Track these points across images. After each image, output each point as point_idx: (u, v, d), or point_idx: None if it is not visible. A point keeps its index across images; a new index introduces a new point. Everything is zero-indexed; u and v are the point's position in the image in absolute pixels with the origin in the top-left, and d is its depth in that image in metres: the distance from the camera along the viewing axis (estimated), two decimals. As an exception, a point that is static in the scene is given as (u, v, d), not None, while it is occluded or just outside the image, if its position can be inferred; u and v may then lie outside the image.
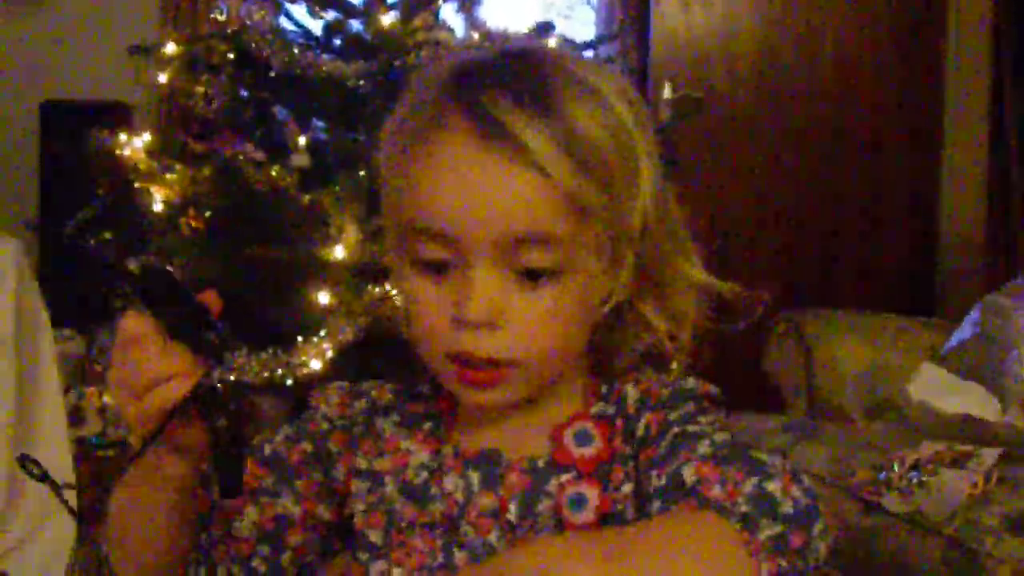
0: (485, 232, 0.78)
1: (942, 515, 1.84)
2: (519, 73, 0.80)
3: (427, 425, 0.90)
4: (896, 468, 1.92)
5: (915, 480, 1.88)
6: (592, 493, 0.83)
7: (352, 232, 2.62)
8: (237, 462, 0.76)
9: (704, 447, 0.76)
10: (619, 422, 0.86)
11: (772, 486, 0.71)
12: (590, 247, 0.79)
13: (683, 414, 0.82)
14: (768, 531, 0.68)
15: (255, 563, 0.87)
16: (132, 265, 2.64)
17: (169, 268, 1.07)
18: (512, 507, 0.84)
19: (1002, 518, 1.83)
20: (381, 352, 2.58)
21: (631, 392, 0.87)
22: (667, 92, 3.59)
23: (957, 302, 3.72)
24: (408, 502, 0.87)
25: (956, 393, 2.23)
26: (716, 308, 0.88)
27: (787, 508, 0.70)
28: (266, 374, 2.62)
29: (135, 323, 0.74)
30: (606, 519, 0.83)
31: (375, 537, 0.88)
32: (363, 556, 0.88)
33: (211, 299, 0.77)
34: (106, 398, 3.12)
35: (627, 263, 0.82)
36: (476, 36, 2.90)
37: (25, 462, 0.80)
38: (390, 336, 2.43)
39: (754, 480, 0.71)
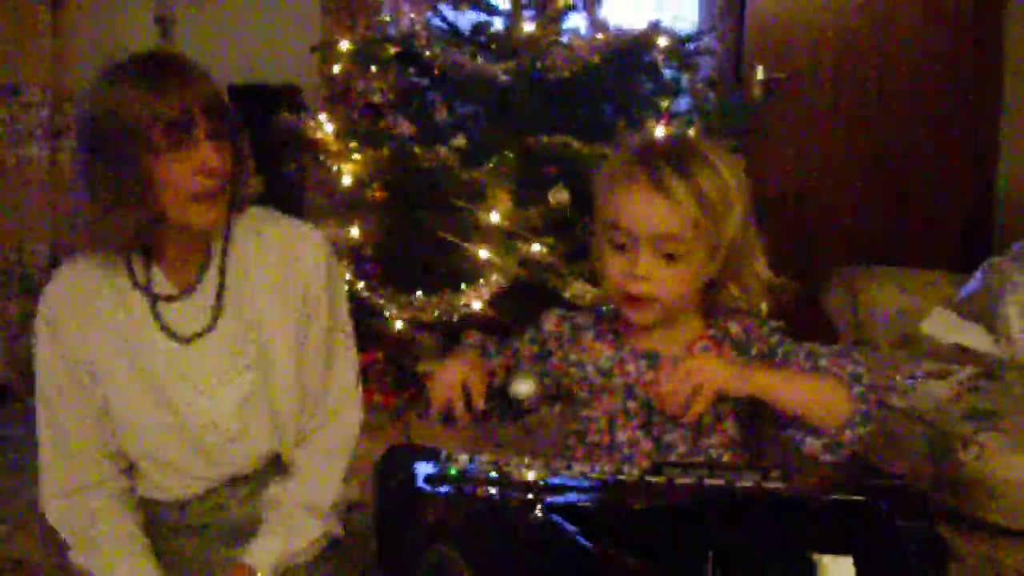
0: (647, 231, 1.38)
1: (927, 409, 2.50)
2: (672, 153, 1.41)
3: (610, 336, 1.55)
4: (898, 377, 2.57)
5: (911, 385, 2.51)
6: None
7: (505, 201, 3.14)
8: None
9: (803, 354, 1.42)
10: (726, 344, 1.49)
11: (860, 370, 1.37)
12: (702, 247, 1.40)
13: (778, 340, 1.46)
14: (858, 389, 1.36)
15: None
16: None
17: None
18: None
19: (963, 411, 2.52)
20: (526, 297, 3.13)
21: (733, 326, 1.50)
22: (760, 73, 4.05)
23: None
24: (601, 377, 1.49)
25: (959, 330, 2.79)
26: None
27: (867, 382, 1.37)
28: (436, 313, 3.17)
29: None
30: None
31: (582, 396, 1.51)
32: (576, 407, 1.52)
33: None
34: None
35: (720, 258, 1.42)
36: (600, 36, 3.38)
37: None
38: (535, 285, 2.95)
39: (852, 366, 1.37)
